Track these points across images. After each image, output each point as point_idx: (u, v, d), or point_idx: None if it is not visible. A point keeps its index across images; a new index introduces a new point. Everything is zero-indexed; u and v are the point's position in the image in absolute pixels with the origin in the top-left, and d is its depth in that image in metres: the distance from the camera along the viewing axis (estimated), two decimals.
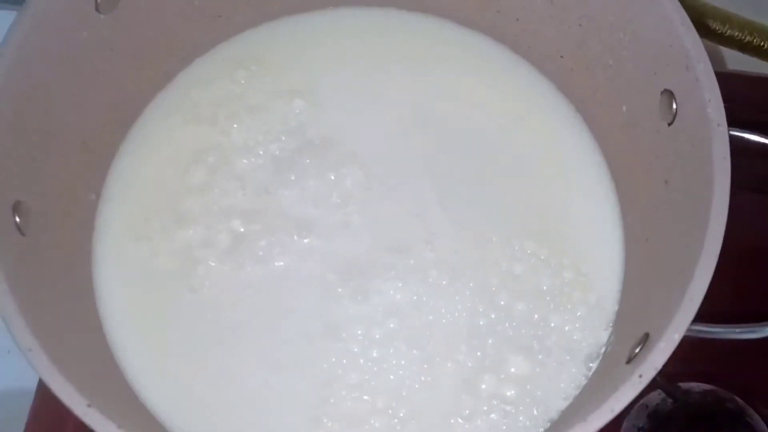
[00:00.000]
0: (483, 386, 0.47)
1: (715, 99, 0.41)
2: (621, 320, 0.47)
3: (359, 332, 0.48)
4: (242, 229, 0.50)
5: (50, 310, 0.41)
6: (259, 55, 0.56)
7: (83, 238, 0.49)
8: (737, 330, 0.40)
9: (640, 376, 0.36)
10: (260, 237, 0.50)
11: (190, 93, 0.55)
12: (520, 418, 0.46)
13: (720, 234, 0.38)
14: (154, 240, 0.50)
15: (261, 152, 0.52)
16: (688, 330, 0.38)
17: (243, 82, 0.55)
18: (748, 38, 0.66)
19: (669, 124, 0.45)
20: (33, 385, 0.56)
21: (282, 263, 0.50)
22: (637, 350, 0.40)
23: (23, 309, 0.38)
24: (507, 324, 0.48)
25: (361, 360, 0.47)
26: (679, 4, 0.43)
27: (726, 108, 0.41)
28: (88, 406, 0.36)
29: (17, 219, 0.42)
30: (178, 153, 0.53)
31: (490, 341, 0.48)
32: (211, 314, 0.48)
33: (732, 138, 0.42)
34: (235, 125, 0.53)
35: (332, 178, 0.52)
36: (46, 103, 0.45)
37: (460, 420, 0.46)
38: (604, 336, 0.47)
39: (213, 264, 0.49)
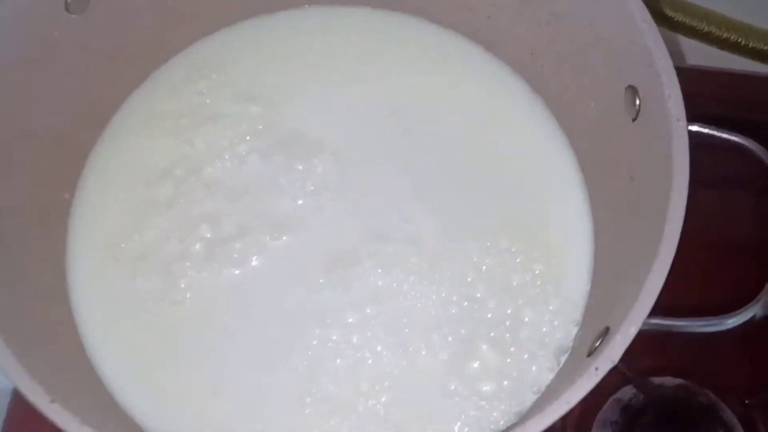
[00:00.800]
0: (458, 376, 0.47)
1: (675, 94, 0.41)
2: (589, 314, 0.47)
3: (344, 320, 0.48)
4: (209, 235, 0.50)
5: (19, 306, 0.42)
6: (232, 54, 0.56)
7: (57, 238, 0.50)
8: (698, 323, 0.40)
9: (596, 369, 0.37)
10: (235, 240, 0.50)
11: (166, 91, 0.55)
12: (494, 414, 0.47)
13: (677, 228, 0.39)
14: (130, 246, 0.51)
15: (227, 156, 0.53)
16: (649, 324, 0.38)
17: (208, 87, 0.55)
18: (705, 28, 0.66)
19: (633, 120, 0.45)
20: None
21: (259, 263, 0.50)
22: (597, 343, 0.40)
23: None
24: (479, 315, 0.49)
25: (344, 346, 0.48)
26: (641, 2, 0.43)
27: (688, 103, 0.42)
28: (51, 401, 0.36)
29: None
30: (146, 169, 0.53)
31: (463, 331, 0.48)
32: (187, 319, 0.49)
33: (695, 134, 0.43)
34: (199, 136, 0.54)
35: (300, 168, 0.52)
36: (18, 103, 0.46)
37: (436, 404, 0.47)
38: (573, 330, 0.48)
39: (191, 273, 0.50)
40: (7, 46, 0.44)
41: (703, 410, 0.54)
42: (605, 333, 0.40)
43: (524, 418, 0.46)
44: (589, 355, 0.40)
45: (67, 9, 0.47)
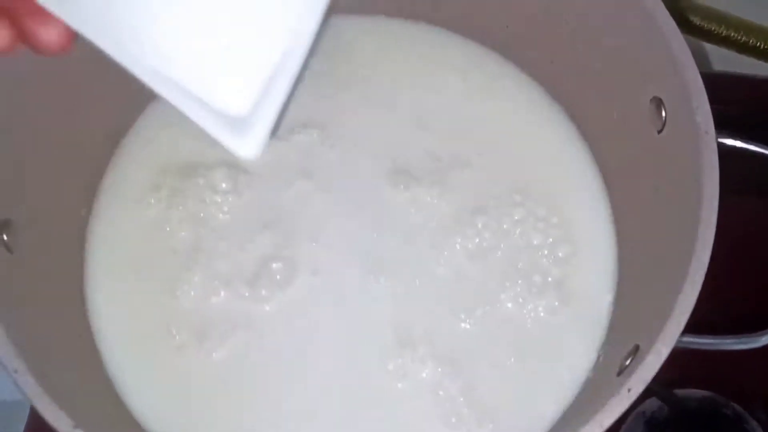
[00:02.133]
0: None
1: (703, 106, 0.41)
2: (614, 329, 0.47)
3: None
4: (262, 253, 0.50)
5: (39, 329, 0.41)
6: None
7: (74, 255, 0.49)
8: (731, 340, 0.39)
9: (629, 390, 0.36)
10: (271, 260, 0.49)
11: None
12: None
13: (708, 247, 0.38)
14: (149, 264, 0.50)
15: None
16: (679, 342, 0.37)
17: None
18: (729, 34, 0.65)
19: (659, 132, 0.45)
20: None
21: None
22: (627, 362, 0.39)
23: (9, 329, 0.38)
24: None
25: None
26: (667, 12, 0.42)
27: (713, 109, 0.41)
28: (75, 427, 0.35)
29: (5, 237, 0.42)
30: (170, 167, 0.53)
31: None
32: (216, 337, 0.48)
33: (722, 145, 0.42)
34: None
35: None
36: (35, 120, 0.45)
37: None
38: (597, 343, 0.47)
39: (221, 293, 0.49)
40: (22, 60, 0.43)
41: (728, 422, 0.54)
42: (635, 351, 0.39)
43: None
44: (620, 374, 0.39)
45: None
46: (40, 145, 0.46)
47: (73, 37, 0.30)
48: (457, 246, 0.50)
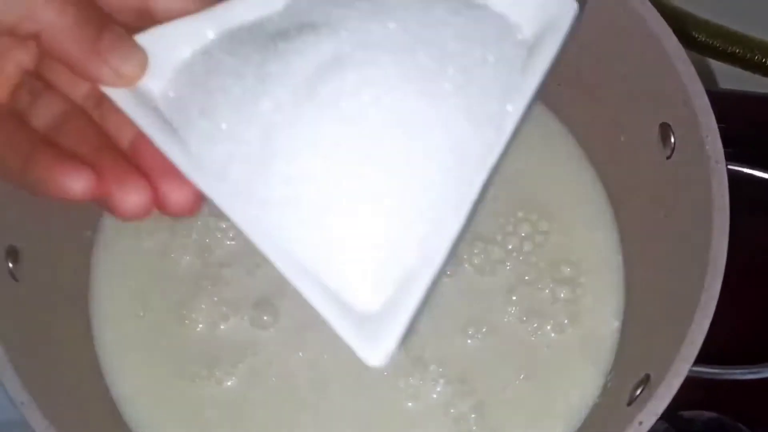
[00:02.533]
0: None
1: (713, 135, 0.40)
2: (623, 355, 0.47)
3: None
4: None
5: (45, 358, 0.41)
6: None
7: (80, 278, 0.49)
8: (738, 371, 0.39)
9: (640, 423, 0.36)
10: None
11: None
12: None
13: (719, 277, 0.38)
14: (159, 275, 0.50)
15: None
16: (693, 371, 0.37)
17: None
18: (735, 50, 0.65)
19: (668, 158, 0.44)
20: None
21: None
22: (638, 392, 0.39)
23: (15, 359, 0.37)
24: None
25: None
26: (676, 40, 0.42)
27: (718, 128, 0.41)
28: None
29: (10, 265, 0.41)
30: None
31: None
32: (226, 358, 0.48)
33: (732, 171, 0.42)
34: None
35: None
36: None
37: None
38: (604, 372, 0.47)
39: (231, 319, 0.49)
40: None
41: None
42: (646, 381, 0.39)
43: None
44: (630, 403, 0.39)
45: None
46: None
47: (203, 201, 0.29)
48: (465, 264, 0.50)
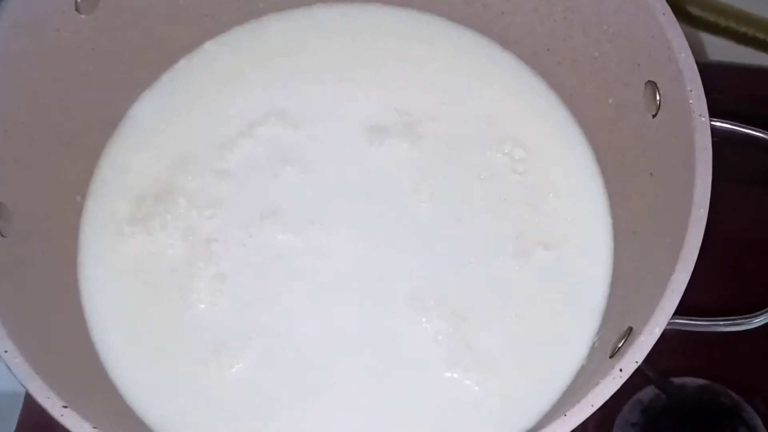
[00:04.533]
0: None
1: (697, 89, 0.40)
2: (610, 314, 0.46)
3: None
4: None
5: (31, 312, 0.41)
6: (243, 55, 0.56)
7: (69, 241, 0.49)
8: (722, 322, 0.39)
9: (621, 370, 0.36)
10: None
11: (176, 91, 0.55)
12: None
13: (701, 226, 0.38)
14: (142, 250, 0.50)
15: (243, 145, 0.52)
16: (672, 323, 0.37)
17: (218, 88, 0.54)
18: (728, 24, 0.65)
19: (653, 116, 0.44)
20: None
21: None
22: (620, 344, 0.39)
23: (2, 313, 0.38)
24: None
25: None
26: None
27: (709, 99, 0.41)
28: (64, 407, 0.35)
29: None
30: (164, 153, 0.53)
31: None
32: (210, 326, 0.48)
33: (717, 129, 0.42)
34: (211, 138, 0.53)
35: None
36: (29, 105, 0.45)
37: None
38: (592, 332, 0.47)
39: (208, 268, 0.49)
40: (16, 48, 0.44)
41: (726, 411, 0.53)
42: (628, 333, 0.39)
43: (546, 418, 0.45)
44: (612, 356, 0.39)
45: (77, 9, 0.46)
46: (34, 133, 0.46)
47: None
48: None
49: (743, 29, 0.66)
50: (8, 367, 0.36)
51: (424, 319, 0.47)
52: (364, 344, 0.47)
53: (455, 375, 0.46)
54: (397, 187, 0.51)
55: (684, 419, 0.54)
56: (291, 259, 0.49)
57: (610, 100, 0.49)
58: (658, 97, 0.44)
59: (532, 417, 0.45)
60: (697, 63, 0.41)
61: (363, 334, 0.47)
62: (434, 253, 0.49)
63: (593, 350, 0.46)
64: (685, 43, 0.41)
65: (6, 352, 0.36)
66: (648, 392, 0.54)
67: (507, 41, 0.55)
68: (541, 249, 0.50)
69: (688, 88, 0.41)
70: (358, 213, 0.50)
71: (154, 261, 0.49)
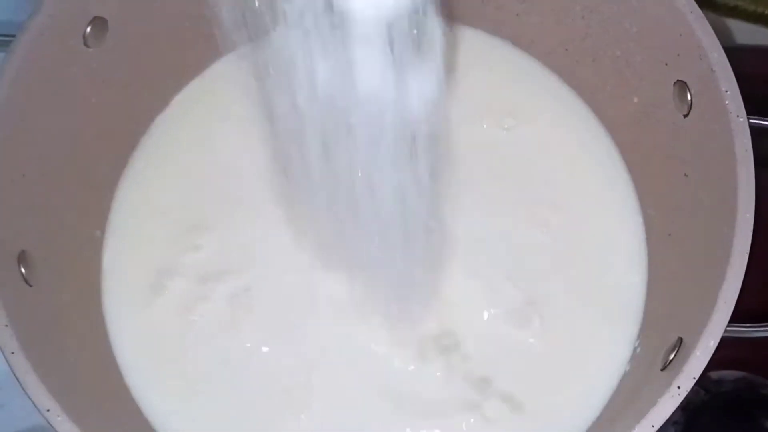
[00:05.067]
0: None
1: (732, 89, 0.39)
2: (651, 320, 0.46)
3: None
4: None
5: (65, 361, 0.40)
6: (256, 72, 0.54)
7: (92, 278, 0.48)
8: None
9: (679, 388, 0.35)
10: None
11: (188, 114, 0.54)
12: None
13: (748, 232, 0.37)
14: (169, 270, 0.49)
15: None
16: (728, 331, 0.37)
17: (230, 107, 0.53)
18: (753, 8, 0.64)
19: (684, 116, 0.43)
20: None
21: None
22: (671, 356, 0.38)
23: (37, 366, 0.37)
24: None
25: None
26: None
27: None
28: None
29: (23, 270, 0.41)
30: (181, 178, 0.52)
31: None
32: (240, 356, 0.47)
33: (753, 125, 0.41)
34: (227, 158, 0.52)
35: None
36: (44, 147, 0.44)
37: None
38: (632, 337, 0.46)
39: (233, 290, 0.48)
40: (28, 90, 0.42)
41: (765, 403, 0.53)
42: (679, 344, 0.38)
43: (594, 427, 0.44)
44: (664, 368, 0.39)
45: (85, 44, 0.45)
46: (48, 171, 0.45)
47: None
48: None
49: (753, 7, 0.65)
50: (53, 427, 0.35)
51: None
52: None
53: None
54: None
55: (724, 414, 0.53)
56: None
57: (635, 99, 0.48)
58: (689, 97, 0.43)
59: (581, 424, 0.45)
60: (723, 47, 0.40)
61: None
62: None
63: (635, 355, 0.46)
64: (717, 42, 0.40)
65: (48, 411, 0.35)
66: None
67: (521, 42, 0.54)
68: (571, 250, 0.49)
69: (723, 89, 0.40)
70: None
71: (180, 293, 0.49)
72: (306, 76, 0.36)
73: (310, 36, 0.35)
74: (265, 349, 0.47)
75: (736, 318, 0.41)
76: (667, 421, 0.53)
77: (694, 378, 0.35)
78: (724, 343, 0.52)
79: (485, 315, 0.47)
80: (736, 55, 0.41)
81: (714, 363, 0.55)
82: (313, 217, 0.45)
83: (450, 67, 0.54)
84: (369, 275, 0.46)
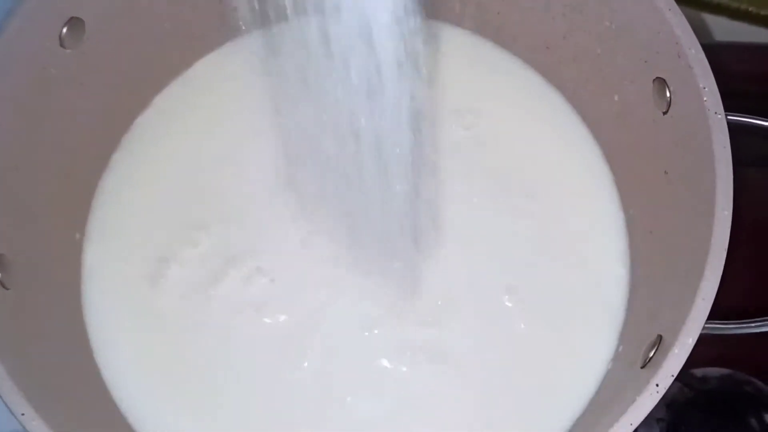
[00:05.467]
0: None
1: (710, 86, 0.39)
2: (633, 318, 0.46)
3: None
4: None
5: (43, 366, 0.40)
6: (234, 71, 0.54)
7: (72, 281, 0.48)
8: (753, 324, 0.39)
9: (657, 385, 0.35)
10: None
11: (170, 114, 0.53)
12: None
13: (726, 229, 0.37)
14: (147, 276, 0.49)
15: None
16: (705, 328, 0.36)
17: (212, 106, 0.53)
18: (737, 5, 0.64)
19: (664, 113, 0.43)
20: None
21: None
22: (651, 353, 0.38)
23: (12, 370, 0.36)
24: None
25: None
26: None
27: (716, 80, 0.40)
28: None
29: None
30: (162, 178, 0.51)
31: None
32: (219, 353, 0.47)
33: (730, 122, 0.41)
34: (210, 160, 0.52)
35: None
36: (21, 150, 0.44)
37: None
38: (614, 335, 0.46)
39: (213, 299, 0.48)
40: (4, 91, 0.42)
41: (751, 399, 0.53)
42: (658, 342, 0.38)
43: (576, 426, 0.44)
44: (644, 366, 0.38)
45: (61, 44, 0.45)
46: (27, 175, 0.45)
47: None
48: None
49: (743, 6, 0.65)
50: (27, 430, 0.35)
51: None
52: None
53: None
54: None
55: (709, 410, 0.53)
56: None
57: (616, 97, 0.48)
58: (668, 94, 0.42)
59: (563, 424, 0.44)
60: (702, 45, 0.40)
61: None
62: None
63: (618, 353, 0.46)
64: (695, 39, 0.40)
65: (23, 414, 0.35)
66: (671, 387, 0.54)
67: (502, 40, 0.54)
68: (553, 250, 0.49)
69: (701, 86, 0.40)
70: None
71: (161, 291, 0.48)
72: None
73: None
74: (256, 350, 0.47)
75: (719, 315, 0.41)
76: (652, 418, 0.54)
77: (673, 376, 0.35)
78: (708, 341, 0.52)
79: (466, 311, 0.47)
80: (716, 52, 0.41)
81: (698, 360, 0.55)
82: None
83: (432, 65, 0.54)
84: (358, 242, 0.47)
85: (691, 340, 0.35)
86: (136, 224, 0.50)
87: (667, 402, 0.53)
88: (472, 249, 0.48)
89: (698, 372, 0.54)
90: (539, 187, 0.50)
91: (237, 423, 0.45)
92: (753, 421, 0.53)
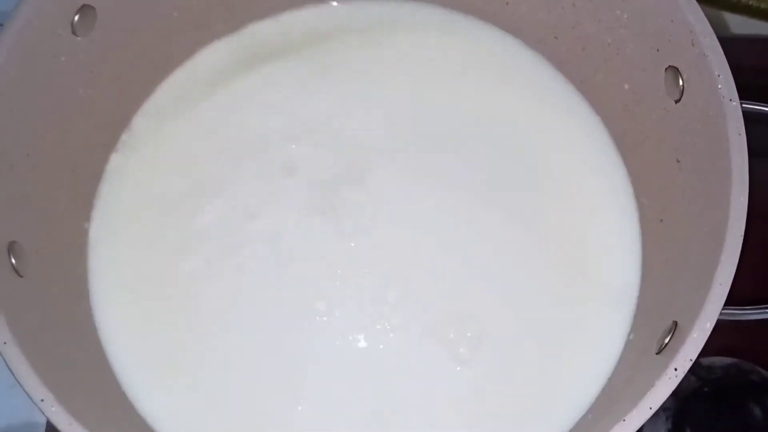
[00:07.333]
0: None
1: (725, 74, 0.40)
2: (645, 306, 0.46)
3: None
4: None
5: (56, 352, 0.40)
6: (239, 61, 0.54)
7: (81, 269, 0.48)
8: (762, 310, 0.39)
9: (676, 370, 0.35)
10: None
11: (176, 101, 0.53)
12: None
13: (743, 214, 0.37)
14: (154, 261, 0.49)
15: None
16: (723, 314, 0.37)
17: (219, 98, 0.53)
18: (757, 4, 0.64)
19: (676, 101, 0.43)
20: (42, 419, 0.54)
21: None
22: (666, 340, 0.39)
23: (31, 357, 0.36)
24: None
25: None
26: None
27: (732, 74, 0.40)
28: None
29: (13, 261, 0.40)
30: (169, 167, 0.51)
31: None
32: (222, 334, 0.47)
33: (745, 111, 0.41)
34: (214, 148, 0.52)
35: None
36: (32, 137, 0.44)
37: None
38: (626, 323, 0.46)
39: (217, 280, 0.48)
40: (16, 79, 0.42)
41: (757, 388, 0.53)
42: (674, 328, 0.38)
43: (591, 411, 0.44)
44: (659, 352, 0.39)
45: (73, 32, 0.44)
46: (36, 162, 0.44)
47: None
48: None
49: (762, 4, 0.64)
50: (49, 417, 0.34)
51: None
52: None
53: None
54: None
55: (715, 400, 0.53)
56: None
57: (626, 86, 0.48)
58: (681, 83, 0.43)
59: (574, 412, 0.45)
60: (718, 37, 0.40)
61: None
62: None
63: (629, 342, 0.46)
64: (709, 27, 0.40)
65: (43, 401, 0.35)
66: None
67: (511, 29, 0.54)
68: (564, 239, 0.49)
69: (716, 73, 0.40)
70: None
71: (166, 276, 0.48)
72: None
73: None
74: (258, 344, 0.47)
75: (729, 302, 0.41)
76: (659, 407, 0.54)
77: (691, 360, 0.35)
78: (716, 329, 0.53)
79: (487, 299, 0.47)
80: (731, 45, 0.41)
81: (705, 349, 0.55)
82: None
83: (440, 54, 0.54)
84: None
85: (709, 324, 0.36)
86: (144, 212, 0.50)
87: (673, 391, 0.54)
88: (484, 237, 0.48)
89: (705, 361, 0.54)
90: (550, 177, 0.50)
91: (245, 407, 0.45)
92: (758, 410, 0.53)
